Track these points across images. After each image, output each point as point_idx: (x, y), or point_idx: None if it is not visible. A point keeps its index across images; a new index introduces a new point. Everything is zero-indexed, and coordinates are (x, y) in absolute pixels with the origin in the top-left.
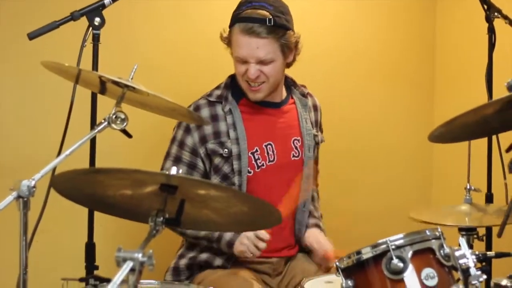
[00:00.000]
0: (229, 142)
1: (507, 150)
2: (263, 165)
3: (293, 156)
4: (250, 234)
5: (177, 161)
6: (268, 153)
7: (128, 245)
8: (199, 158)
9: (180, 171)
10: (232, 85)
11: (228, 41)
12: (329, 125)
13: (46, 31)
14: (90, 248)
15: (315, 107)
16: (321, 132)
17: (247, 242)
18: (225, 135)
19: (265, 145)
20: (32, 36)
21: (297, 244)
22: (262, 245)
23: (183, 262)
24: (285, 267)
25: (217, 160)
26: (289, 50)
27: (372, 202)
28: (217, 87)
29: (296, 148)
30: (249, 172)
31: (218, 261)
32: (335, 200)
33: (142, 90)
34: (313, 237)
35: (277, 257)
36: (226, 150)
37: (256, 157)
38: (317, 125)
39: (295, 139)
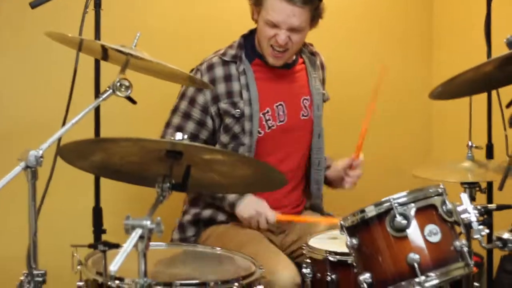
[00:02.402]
0: (241, 103)
1: (508, 106)
2: (273, 125)
3: (303, 115)
4: (262, 209)
5: (186, 116)
6: (278, 113)
7: (134, 208)
8: (209, 116)
9: (189, 127)
10: (246, 45)
11: (256, 0)
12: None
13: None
14: (97, 213)
15: (322, 65)
16: (325, 89)
17: (255, 215)
18: (238, 95)
19: (276, 106)
20: (34, 4)
21: (303, 202)
22: (264, 226)
23: (188, 218)
24: (289, 224)
25: (228, 120)
26: (317, 19)
27: (373, 160)
28: (230, 47)
29: (305, 107)
30: (260, 133)
31: (221, 217)
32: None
33: (145, 58)
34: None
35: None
36: (238, 110)
37: (267, 117)
38: (323, 82)
39: (304, 99)
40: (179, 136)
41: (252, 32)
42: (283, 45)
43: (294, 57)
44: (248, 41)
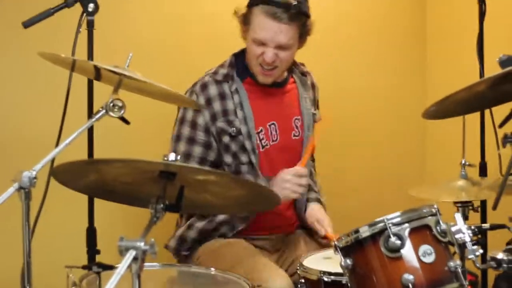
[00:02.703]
0: (237, 121)
1: (500, 126)
2: (267, 145)
3: (294, 135)
4: (288, 175)
5: (191, 142)
6: (271, 133)
7: (128, 228)
8: (211, 137)
9: (196, 151)
10: (237, 63)
11: (244, 19)
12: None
13: (41, 19)
14: (91, 233)
15: (313, 86)
16: (318, 109)
17: (289, 185)
18: (233, 114)
19: (269, 125)
20: (27, 24)
21: (297, 220)
22: (304, 181)
23: (191, 234)
24: (283, 243)
25: (225, 139)
26: (306, 36)
27: (366, 177)
28: (222, 66)
29: (296, 127)
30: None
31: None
32: (326, 178)
33: (138, 79)
34: (314, 216)
35: (276, 234)
36: (234, 129)
37: (261, 137)
38: (315, 103)
39: (296, 119)
40: (172, 157)
41: (244, 51)
42: (271, 63)
43: (285, 76)
44: (240, 59)
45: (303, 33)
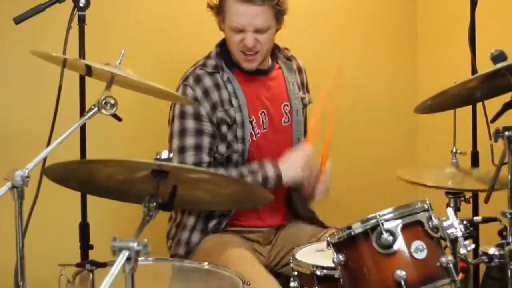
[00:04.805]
0: (232, 110)
1: (492, 121)
2: (258, 133)
3: (284, 122)
4: (295, 157)
5: (200, 133)
6: (262, 121)
7: (121, 222)
8: (214, 126)
9: (205, 142)
10: (223, 54)
11: (218, 10)
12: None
13: (32, 15)
14: (84, 229)
15: (299, 69)
16: (308, 93)
17: (303, 171)
18: (228, 103)
19: (260, 113)
20: (18, 20)
21: (290, 213)
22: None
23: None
24: (275, 235)
25: (223, 129)
26: (282, 16)
27: (358, 165)
28: (208, 57)
29: (286, 113)
30: (248, 141)
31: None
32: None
33: (130, 77)
34: None
35: (268, 227)
36: (230, 118)
37: (253, 125)
38: (304, 86)
39: (284, 105)
40: (165, 154)
41: (225, 41)
42: (252, 47)
43: (270, 63)
44: (224, 50)
45: (278, 13)
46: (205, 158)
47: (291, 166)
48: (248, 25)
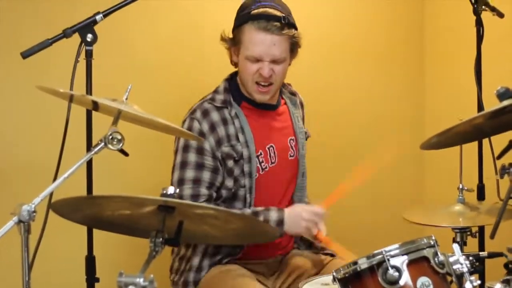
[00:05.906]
0: (239, 145)
1: (498, 157)
2: (266, 167)
3: (290, 156)
4: (307, 214)
5: (200, 167)
6: (270, 155)
7: (128, 256)
8: (218, 161)
9: (205, 176)
10: (231, 88)
11: (233, 42)
12: (317, 118)
13: (39, 49)
14: (90, 262)
15: (301, 104)
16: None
17: (305, 224)
18: (235, 138)
19: (267, 148)
20: (26, 55)
21: (292, 241)
22: (321, 222)
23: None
24: (279, 265)
25: (230, 163)
26: (296, 49)
27: (364, 201)
28: (216, 92)
29: (291, 147)
30: (255, 175)
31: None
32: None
33: (137, 113)
34: None
35: (272, 258)
36: (236, 153)
37: (261, 160)
38: (303, 121)
39: (290, 139)
40: (171, 190)
41: (233, 76)
42: (268, 77)
43: (277, 98)
44: (232, 84)
45: (294, 44)
46: (203, 191)
47: (297, 221)
48: (265, 54)
